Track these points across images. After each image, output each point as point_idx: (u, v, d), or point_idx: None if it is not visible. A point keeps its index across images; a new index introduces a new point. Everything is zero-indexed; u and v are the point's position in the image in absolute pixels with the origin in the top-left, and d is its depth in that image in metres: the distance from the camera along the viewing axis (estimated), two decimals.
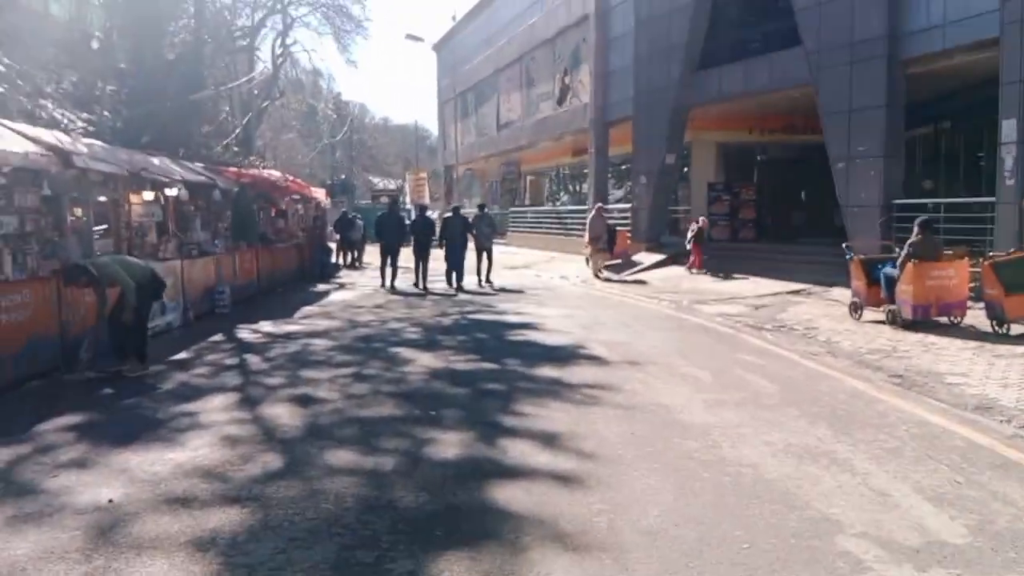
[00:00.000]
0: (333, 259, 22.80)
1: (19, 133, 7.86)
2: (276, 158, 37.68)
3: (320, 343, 9.07)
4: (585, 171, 27.27)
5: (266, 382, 6.96)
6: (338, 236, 23.48)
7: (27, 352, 7.02)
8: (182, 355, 8.35)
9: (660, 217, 20.53)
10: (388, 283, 15.60)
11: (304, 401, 6.17)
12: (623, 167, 24.35)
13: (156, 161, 10.91)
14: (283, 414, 5.78)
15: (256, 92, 30.71)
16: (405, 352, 8.38)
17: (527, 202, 33.43)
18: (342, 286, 17.24)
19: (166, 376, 7.24)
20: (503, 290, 15.70)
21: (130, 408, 6.07)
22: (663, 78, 18.76)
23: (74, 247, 8.09)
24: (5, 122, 8.10)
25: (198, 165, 13.43)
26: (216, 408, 5.97)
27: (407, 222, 17.30)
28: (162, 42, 19.27)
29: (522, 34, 29.51)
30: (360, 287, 16.83)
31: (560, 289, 16.19)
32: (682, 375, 7.19)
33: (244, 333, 10.00)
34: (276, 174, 16.52)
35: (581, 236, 22.58)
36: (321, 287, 16.84)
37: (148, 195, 9.87)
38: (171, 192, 10.62)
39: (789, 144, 21.33)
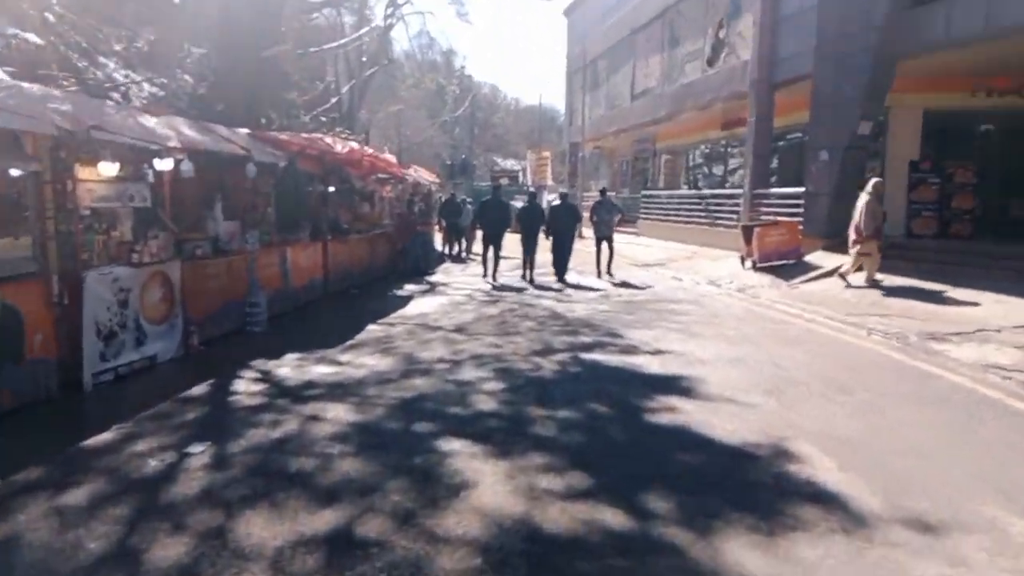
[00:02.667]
0: (439, 249, 19.78)
1: None
2: (387, 134, 35.09)
3: (335, 417, 5.51)
4: (732, 148, 22.56)
5: (151, 560, 3.42)
6: (444, 223, 20.26)
7: None
8: (105, 435, 5.02)
9: (845, 206, 15.68)
10: (490, 275, 14.65)
11: None
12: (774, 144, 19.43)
13: (151, 122, 7.70)
14: None
15: (364, 59, 27.96)
16: (459, 457, 4.65)
17: (661, 185, 28.84)
18: (432, 287, 13.86)
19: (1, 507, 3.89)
20: (627, 285, 14.01)
21: None
22: (860, 20, 13.93)
23: None
24: None
25: (241, 131, 10.23)
26: None
27: (514, 208, 14.84)
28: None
29: None
30: (453, 290, 13.40)
31: (711, 301, 12.01)
32: None
33: (243, 381, 6.60)
34: (352, 146, 13.14)
35: (731, 227, 18.35)
36: (408, 288, 13.57)
37: (108, 167, 6.59)
38: (162, 165, 7.37)
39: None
